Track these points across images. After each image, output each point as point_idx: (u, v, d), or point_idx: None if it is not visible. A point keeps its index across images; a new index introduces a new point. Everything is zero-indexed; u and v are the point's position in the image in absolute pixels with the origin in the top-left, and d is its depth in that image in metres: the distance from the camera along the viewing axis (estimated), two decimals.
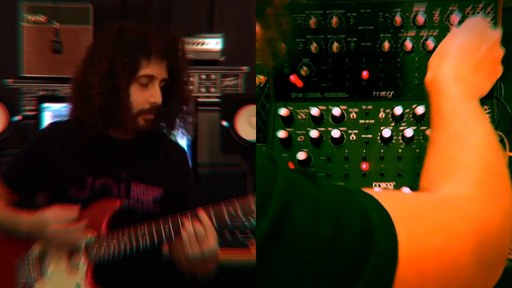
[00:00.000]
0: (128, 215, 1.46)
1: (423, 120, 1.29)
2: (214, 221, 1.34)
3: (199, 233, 1.33)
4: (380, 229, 0.66)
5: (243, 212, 1.33)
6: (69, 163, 1.47)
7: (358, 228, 0.65)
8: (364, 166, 1.27)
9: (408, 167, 1.27)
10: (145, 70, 1.41)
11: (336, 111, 1.30)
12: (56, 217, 1.41)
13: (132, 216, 1.45)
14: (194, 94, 2.42)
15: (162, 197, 1.52)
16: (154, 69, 1.43)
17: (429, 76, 1.06)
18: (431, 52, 1.29)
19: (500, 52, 1.09)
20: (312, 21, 1.29)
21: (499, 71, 1.10)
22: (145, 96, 1.42)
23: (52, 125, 1.59)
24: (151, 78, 1.43)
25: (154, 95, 1.43)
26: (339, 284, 0.63)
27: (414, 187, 1.25)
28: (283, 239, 0.61)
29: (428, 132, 1.26)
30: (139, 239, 1.38)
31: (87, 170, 1.47)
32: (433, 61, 1.07)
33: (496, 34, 1.09)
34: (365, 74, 1.32)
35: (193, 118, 1.55)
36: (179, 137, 1.59)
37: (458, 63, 1.03)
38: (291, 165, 1.26)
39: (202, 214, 1.34)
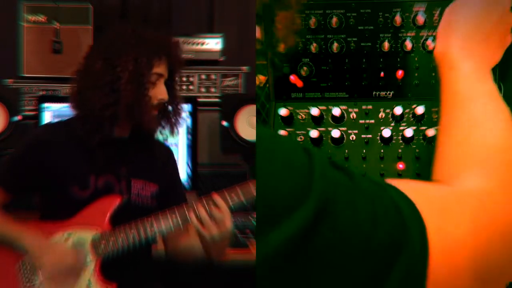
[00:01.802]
0: (129, 210, 1.50)
1: (423, 120, 1.29)
2: (230, 204, 1.43)
3: (217, 216, 1.39)
4: (411, 219, 0.67)
5: (245, 198, 1.44)
6: (70, 163, 1.49)
7: (392, 219, 0.65)
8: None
9: (408, 167, 1.27)
10: (156, 69, 1.52)
11: (336, 111, 1.30)
12: (52, 265, 1.42)
13: (133, 211, 1.50)
14: (194, 94, 2.43)
15: (158, 192, 1.58)
16: (162, 68, 1.54)
17: (438, 50, 0.99)
18: (431, 52, 1.30)
19: (511, 19, 1.02)
20: (312, 21, 1.29)
21: (509, 39, 1.03)
22: (153, 93, 1.52)
23: (47, 127, 1.62)
24: (160, 76, 1.53)
25: (161, 92, 1.54)
26: (378, 272, 0.63)
27: None
28: (320, 236, 0.60)
29: (430, 131, 1.26)
30: (147, 231, 1.44)
31: (89, 168, 1.49)
32: (441, 33, 1.01)
33: (506, 1, 1.02)
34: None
35: (180, 118, 1.64)
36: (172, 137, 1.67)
37: (468, 34, 0.97)
38: None
39: (217, 198, 1.42)
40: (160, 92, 1.53)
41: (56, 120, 1.65)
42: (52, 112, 2.25)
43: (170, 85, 1.58)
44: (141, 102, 1.49)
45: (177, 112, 1.62)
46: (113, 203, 1.48)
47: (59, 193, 1.48)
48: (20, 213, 1.53)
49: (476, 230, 0.71)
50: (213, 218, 1.39)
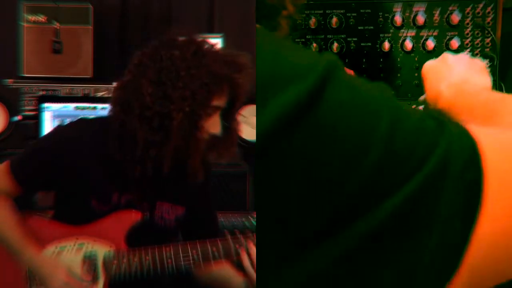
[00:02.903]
0: (148, 230, 1.39)
1: None
2: None
3: None
4: (456, 132, 0.56)
5: None
6: (94, 172, 1.36)
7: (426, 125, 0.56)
8: None
9: None
10: (215, 102, 1.31)
11: None
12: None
13: (153, 232, 1.40)
14: None
15: (183, 215, 1.45)
16: (222, 100, 1.32)
17: (429, 95, 1.07)
18: (431, 52, 1.30)
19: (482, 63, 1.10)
20: (312, 21, 1.29)
21: (488, 76, 1.10)
22: (205, 126, 1.31)
23: (79, 123, 1.41)
24: (217, 109, 1.32)
25: (215, 125, 1.33)
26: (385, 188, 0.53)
27: None
28: (314, 120, 0.52)
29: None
30: (164, 261, 1.31)
31: (114, 184, 1.37)
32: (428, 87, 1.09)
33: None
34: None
35: (232, 148, 1.41)
36: None
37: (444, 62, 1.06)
38: None
39: None
40: (213, 126, 1.32)
41: (92, 116, 1.44)
42: (52, 112, 2.25)
43: (228, 115, 1.36)
44: (191, 143, 1.29)
45: (228, 142, 1.39)
46: (132, 219, 1.37)
47: (76, 199, 1.37)
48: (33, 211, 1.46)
49: None
50: None
